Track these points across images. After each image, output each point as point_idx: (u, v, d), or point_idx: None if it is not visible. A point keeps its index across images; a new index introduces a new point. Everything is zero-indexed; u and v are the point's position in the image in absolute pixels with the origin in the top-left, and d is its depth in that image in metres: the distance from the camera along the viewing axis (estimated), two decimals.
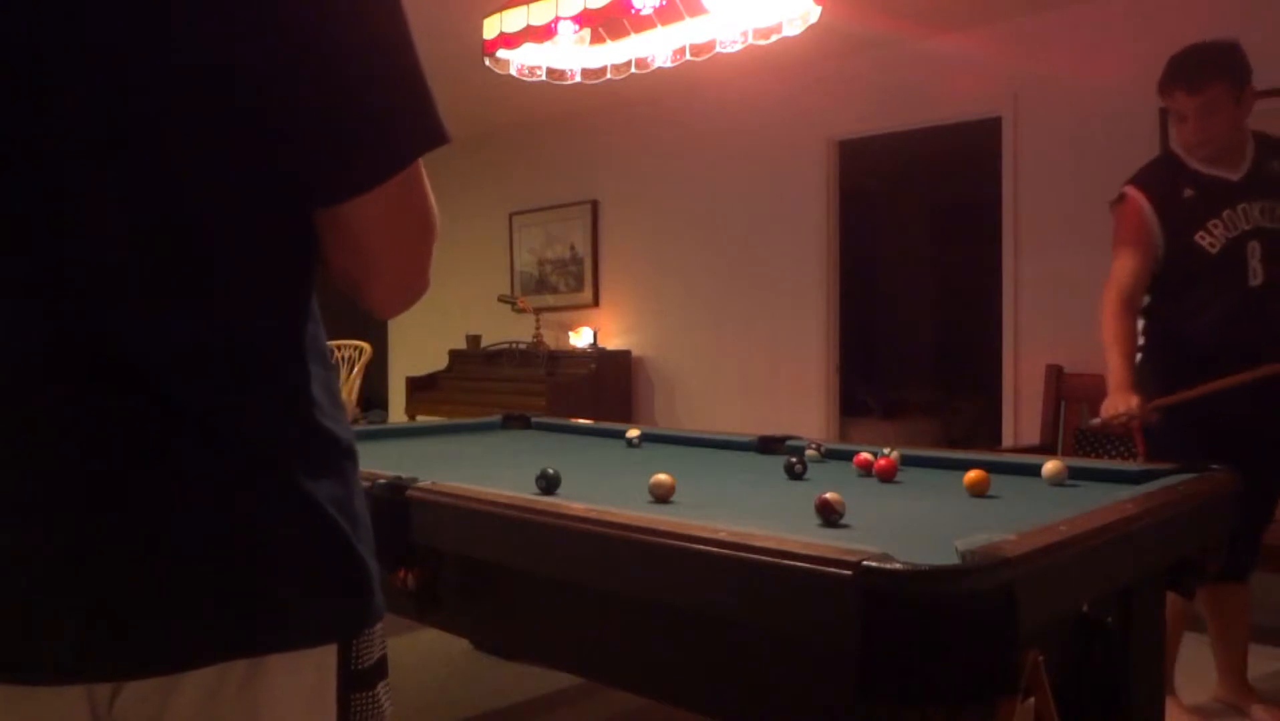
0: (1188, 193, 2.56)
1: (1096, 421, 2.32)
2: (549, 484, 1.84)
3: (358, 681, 0.88)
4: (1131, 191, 2.61)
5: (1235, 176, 2.55)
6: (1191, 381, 2.44)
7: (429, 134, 0.80)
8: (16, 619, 0.74)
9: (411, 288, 0.86)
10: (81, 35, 0.72)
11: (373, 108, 0.78)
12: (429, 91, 0.80)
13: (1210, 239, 2.53)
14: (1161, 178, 2.61)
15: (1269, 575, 3.06)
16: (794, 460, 2.13)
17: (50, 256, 0.74)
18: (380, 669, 0.92)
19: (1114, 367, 2.46)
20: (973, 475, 1.90)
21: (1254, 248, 2.54)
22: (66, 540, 0.74)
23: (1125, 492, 1.79)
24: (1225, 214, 2.53)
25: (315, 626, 0.80)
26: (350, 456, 0.86)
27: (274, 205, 0.79)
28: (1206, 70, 2.48)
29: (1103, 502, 1.67)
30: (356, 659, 0.87)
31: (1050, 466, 2.04)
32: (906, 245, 7.79)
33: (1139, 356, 2.59)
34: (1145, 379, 2.51)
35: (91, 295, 0.74)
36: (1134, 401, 2.24)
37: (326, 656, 0.83)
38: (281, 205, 0.80)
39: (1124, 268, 2.57)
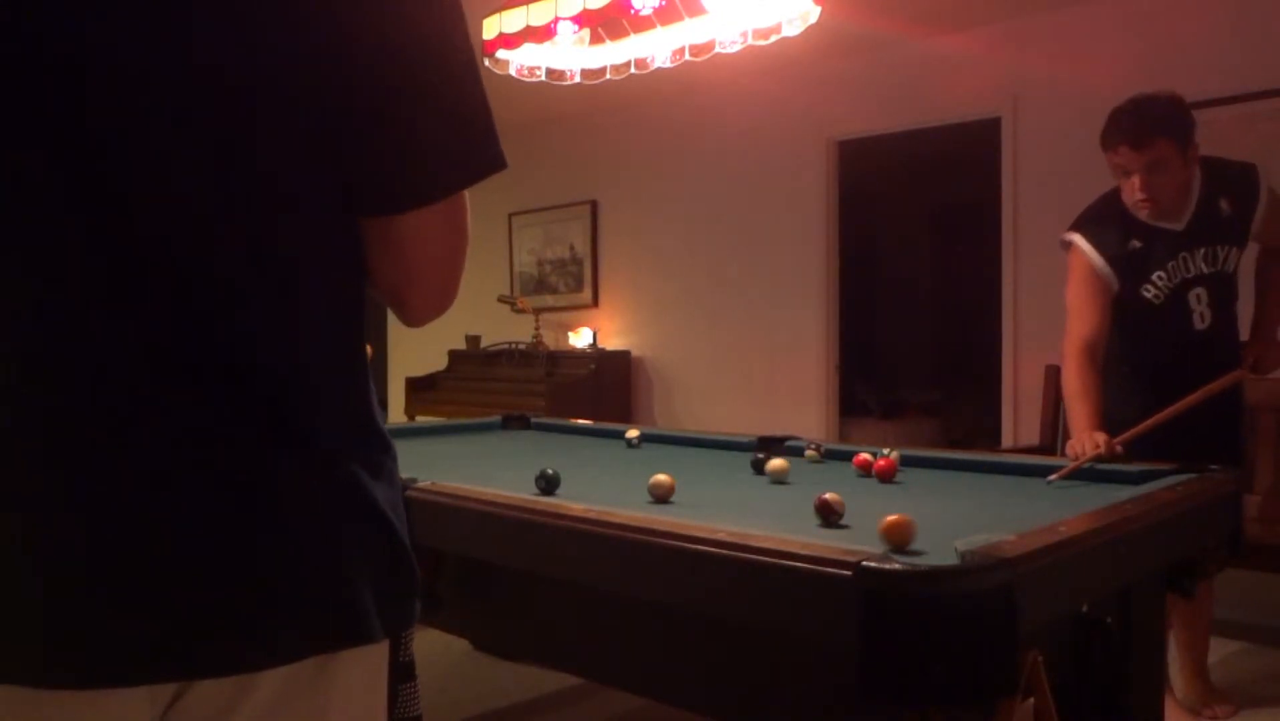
0: (1135, 244, 2.53)
1: (1059, 473, 2.15)
2: (549, 484, 1.84)
3: (404, 673, 0.94)
4: (1082, 244, 2.57)
5: (1179, 227, 2.52)
6: (1151, 409, 2.39)
7: (496, 155, 0.86)
8: (96, 621, 0.74)
9: (446, 297, 0.91)
10: (182, 45, 0.75)
11: (454, 122, 0.83)
12: (493, 117, 0.85)
13: (1155, 291, 2.54)
14: (1110, 227, 2.57)
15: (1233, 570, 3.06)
16: (759, 455, 2.23)
17: (160, 268, 0.76)
18: (413, 661, 0.96)
19: (1078, 413, 2.40)
20: (892, 521, 1.34)
21: (1199, 294, 2.55)
22: (148, 540, 0.75)
23: (1125, 492, 1.79)
24: (1169, 265, 2.53)
25: (379, 623, 0.84)
26: (395, 458, 0.90)
27: (343, 212, 0.83)
28: (1154, 126, 2.43)
29: (1102, 503, 1.67)
30: (403, 652, 0.92)
31: (775, 464, 2.08)
32: (906, 245, 7.79)
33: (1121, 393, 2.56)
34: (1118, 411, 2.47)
35: (201, 306, 0.77)
36: (1101, 439, 2.20)
37: (382, 650, 0.88)
38: (347, 212, 0.83)
39: (1083, 321, 2.53)
